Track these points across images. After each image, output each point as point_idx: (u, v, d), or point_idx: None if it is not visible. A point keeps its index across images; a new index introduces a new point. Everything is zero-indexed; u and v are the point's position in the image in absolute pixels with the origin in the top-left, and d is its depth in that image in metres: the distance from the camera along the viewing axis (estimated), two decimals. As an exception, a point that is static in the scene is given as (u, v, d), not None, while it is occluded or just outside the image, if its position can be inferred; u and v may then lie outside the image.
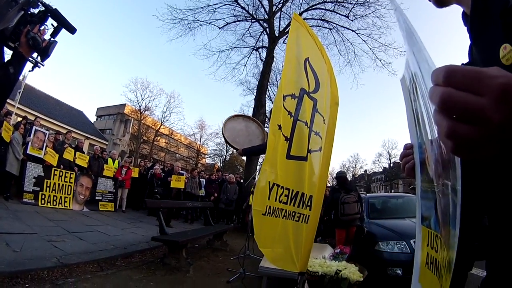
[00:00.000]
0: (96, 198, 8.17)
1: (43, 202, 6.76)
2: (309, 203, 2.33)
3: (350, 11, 12.74)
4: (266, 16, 13.40)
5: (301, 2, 13.39)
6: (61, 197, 7.19)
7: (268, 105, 13.12)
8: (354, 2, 12.48)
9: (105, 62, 71.64)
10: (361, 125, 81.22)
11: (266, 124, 10.40)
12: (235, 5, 13.42)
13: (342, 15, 13.04)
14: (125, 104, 33.26)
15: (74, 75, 70.41)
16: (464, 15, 0.67)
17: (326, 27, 13.70)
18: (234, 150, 5.03)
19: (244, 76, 24.56)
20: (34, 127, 7.11)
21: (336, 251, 4.04)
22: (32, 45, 1.19)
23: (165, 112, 32.76)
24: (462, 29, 0.74)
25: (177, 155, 39.28)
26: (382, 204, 6.45)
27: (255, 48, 14.63)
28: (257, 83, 13.53)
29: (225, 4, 13.38)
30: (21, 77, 6.28)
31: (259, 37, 14.36)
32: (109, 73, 70.28)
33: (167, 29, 14.06)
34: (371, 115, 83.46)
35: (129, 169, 9.29)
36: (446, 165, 0.46)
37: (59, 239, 4.28)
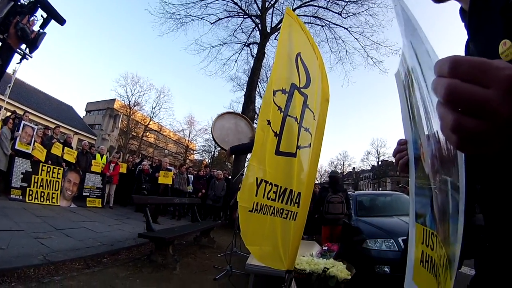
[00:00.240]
0: (84, 194, 8.06)
1: (30, 198, 6.63)
2: (297, 200, 2.31)
3: (343, 8, 12.72)
4: (259, 12, 13.29)
5: (294, -2, 13.34)
6: (48, 193, 7.04)
7: (258, 102, 13.11)
8: (348, 0, 12.50)
9: (96, 57, 70.55)
10: (350, 122, 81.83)
11: (255, 121, 10.36)
12: (228, 0, 13.29)
13: (335, 12, 13.01)
14: (115, 99, 32.75)
15: (65, 69, 69.04)
16: (462, 11, 0.68)
17: (318, 24, 13.66)
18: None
19: (235, 72, 24.48)
20: (23, 122, 6.98)
21: (323, 248, 4.05)
22: (21, 36, 1.14)
23: (154, 108, 32.59)
24: (458, 25, 0.73)
25: (166, 151, 38.97)
26: (370, 202, 6.48)
27: (246, 44, 14.50)
28: (247, 79, 13.45)
29: (218, -1, 13.23)
30: (11, 71, 6.10)
31: (251, 33, 14.25)
32: (100, 68, 69.10)
33: (158, 24, 13.78)
34: (361, 112, 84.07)
35: (117, 164, 9.18)
36: (446, 161, 0.44)
37: (46, 236, 4.23)
